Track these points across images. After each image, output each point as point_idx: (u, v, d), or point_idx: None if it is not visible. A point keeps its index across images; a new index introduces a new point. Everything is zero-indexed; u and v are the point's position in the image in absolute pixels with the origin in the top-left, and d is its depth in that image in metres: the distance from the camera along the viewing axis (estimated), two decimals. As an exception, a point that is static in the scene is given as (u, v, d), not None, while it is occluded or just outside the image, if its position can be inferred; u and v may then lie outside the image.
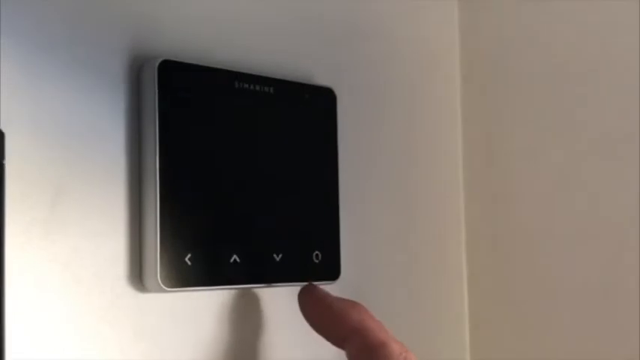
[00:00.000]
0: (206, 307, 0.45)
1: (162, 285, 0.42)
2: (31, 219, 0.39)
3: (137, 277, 0.42)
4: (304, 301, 0.45)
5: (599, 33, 0.58)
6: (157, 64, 0.43)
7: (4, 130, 0.36)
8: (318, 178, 0.50)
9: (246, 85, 0.47)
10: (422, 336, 0.59)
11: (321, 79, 0.52)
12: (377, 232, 0.57)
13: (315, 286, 0.46)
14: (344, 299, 0.45)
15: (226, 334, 0.46)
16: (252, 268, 0.46)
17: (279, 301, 0.48)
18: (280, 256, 0.47)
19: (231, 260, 0.45)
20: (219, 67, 0.46)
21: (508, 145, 0.63)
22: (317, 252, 0.49)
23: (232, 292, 0.47)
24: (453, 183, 0.64)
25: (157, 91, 0.43)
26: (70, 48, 0.41)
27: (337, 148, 0.51)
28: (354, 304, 0.44)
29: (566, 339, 0.59)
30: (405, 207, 0.59)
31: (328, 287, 0.50)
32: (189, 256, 0.43)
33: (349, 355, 0.42)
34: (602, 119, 0.58)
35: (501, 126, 0.64)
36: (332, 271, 0.50)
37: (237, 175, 0.46)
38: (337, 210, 0.51)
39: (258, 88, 0.47)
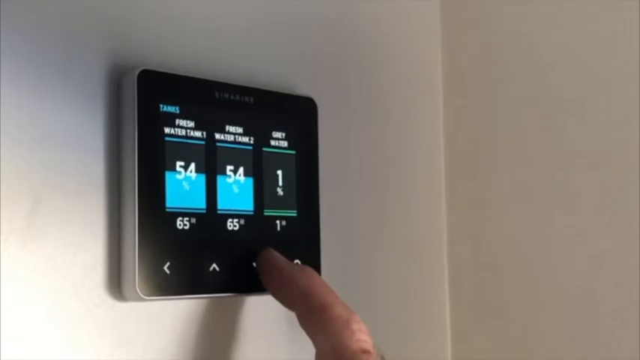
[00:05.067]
0: (185, 316, 0.45)
1: (140, 294, 0.42)
2: (9, 229, 0.39)
3: (116, 286, 0.43)
4: (260, 267, 0.47)
5: (587, 38, 0.59)
6: (136, 74, 0.43)
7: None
8: (299, 187, 0.50)
9: (226, 95, 0.47)
10: (404, 339, 0.59)
11: (303, 89, 0.53)
12: (358, 239, 0.57)
13: (270, 251, 0.47)
14: (295, 265, 0.47)
15: (205, 343, 0.46)
16: (231, 277, 0.46)
17: (258, 310, 0.49)
18: (260, 264, 0.47)
19: (210, 269, 0.45)
20: (199, 76, 0.46)
21: (491, 150, 0.64)
22: (297, 260, 0.49)
23: (211, 300, 0.47)
24: (435, 189, 0.65)
25: (136, 100, 0.43)
26: (50, 57, 0.41)
27: (318, 157, 0.52)
28: (303, 269, 0.45)
29: (547, 342, 0.59)
30: (386, 214, 0.59)
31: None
32: (167, 264, 0.43)
33: (297, 318, 0.43)
34: (587, 128, 0.58)
35: (484, 132, 0.64)
36: (312, 280, 0.50)
37: (216, 184, 0.46)
38: (317, 218, 0.51)
39: (238, 97, 0.48)
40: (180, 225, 0.44)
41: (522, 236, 0.61)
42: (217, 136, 0.46)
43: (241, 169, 0.47)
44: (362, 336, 0.41)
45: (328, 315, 0.41)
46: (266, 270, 0.46)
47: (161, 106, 0.44)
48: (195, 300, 0.46)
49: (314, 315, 0.42)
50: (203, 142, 0.46)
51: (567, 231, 0.59)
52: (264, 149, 0.49)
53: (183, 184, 0.44)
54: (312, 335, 0.42)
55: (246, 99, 0.48)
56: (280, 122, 0.50)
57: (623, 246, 0.56)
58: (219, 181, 0.46)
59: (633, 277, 0.55)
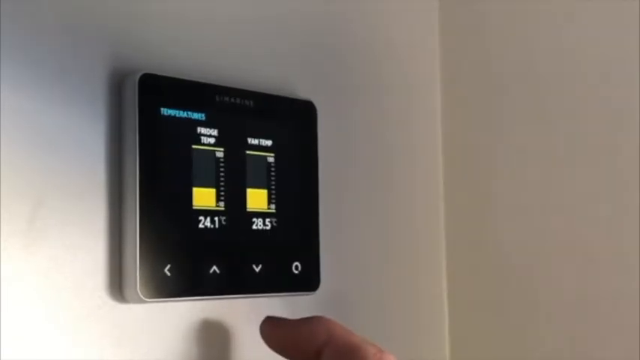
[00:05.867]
0: (185, 318, 0.46)
1: (141, 296, 0.42)
2: (10, 231, 0.39)
3: (117, 287, 0.43)
4: (268, 335, 0.45)
5: (585, 41, 0.59)
6: (137, 78, 0.43)
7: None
8: (298, 190, 0.50)
9: (227, 99, 0.47)
10: (402, 342, 0.59)
11: (303, 92, 0.53)
12: (357, 243, 0.57)
13: (270, 318, 0.45)
14: (303, 318, 0.44)
15: (206, 344, 0.47)
16: (231, 279, 0.46)
17: (259, 312, 0.49)
18: (260, 267, 0.48)
19: (211, 271, 0.45)
20: (199, 80, 0.46)
21: (489, 153, 0.64)
22: (297, 263, 0.50)
23: (212, 302, 0.47)
24: (433, 192, 0.65)
25: (137, 104, 0.43)
26: (51, 61, 0.42)
27: (317, 160, 0.52)
28: (314, 319, 0.43)
29: (545, 344, 0.59)
30: (385, 217, 0.60)
31: (308, 298, 0.51)
32: (168, 266, 0.43)
33: None
34: (585, 133, 0.58)
35: (482, 135, 0.64)
36: (312, 282, 0.51)
37: (217, 187, 0.46)
38: (317, 221, 0.51)
39: (238, 101, 0.48)
40: (180, 227, 0.44)
41: (520, 238, 0.61)
42: (218, 139, 0.47)
43: (241, 172, 0.48)
44: None
45: (362, 354, 0.40)
46: (276, 337, 0.44)
47: (162, 109, 0.44)
48: (195, 302, 0.46)
49: (346, 357, 0.41)
50: (203, 146, 0.46)
51: (565, 232, 0.59)
52: (264, 152, 0.49)
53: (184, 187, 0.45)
54: None
55: (247, 102, 0.48)
56: (280, 125, 0.50)
57: (621, 248, 0.56)
58: (219, 184, 0.46)
59: (631, 278, 0.55)
